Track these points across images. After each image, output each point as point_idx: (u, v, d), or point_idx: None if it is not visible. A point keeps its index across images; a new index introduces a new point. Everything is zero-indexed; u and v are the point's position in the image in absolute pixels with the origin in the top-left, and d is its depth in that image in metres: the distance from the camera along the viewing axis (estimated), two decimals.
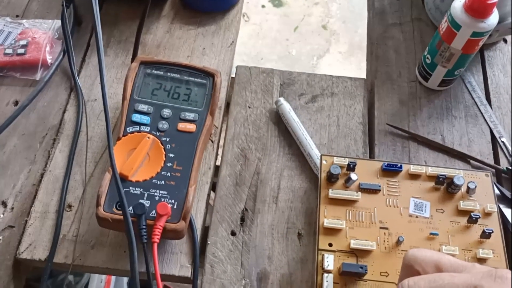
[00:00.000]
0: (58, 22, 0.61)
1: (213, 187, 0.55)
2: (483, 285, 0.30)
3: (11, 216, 0.50)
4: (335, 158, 0.50)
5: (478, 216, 0.47)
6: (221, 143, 0.57)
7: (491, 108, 0.59)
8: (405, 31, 0.65)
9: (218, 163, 0.56)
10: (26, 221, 0.50)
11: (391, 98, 0.59)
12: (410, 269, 0.35)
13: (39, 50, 0.58)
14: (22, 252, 0.48)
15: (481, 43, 0.53)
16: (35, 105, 0.57)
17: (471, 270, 0.32)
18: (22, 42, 0.59)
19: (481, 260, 0.45)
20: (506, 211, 0.51)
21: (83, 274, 0.93)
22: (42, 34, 0.60)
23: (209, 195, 0.54)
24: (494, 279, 0.30)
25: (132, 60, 0.59)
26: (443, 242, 0.46)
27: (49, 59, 0.59)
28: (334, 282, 0.44)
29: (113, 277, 0.97)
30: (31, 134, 0.55)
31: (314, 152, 0.53)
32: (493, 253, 0.45)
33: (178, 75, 0.53)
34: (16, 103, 0.57)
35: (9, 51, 0.58)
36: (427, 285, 0.31)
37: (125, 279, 1.03)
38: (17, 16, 0.64)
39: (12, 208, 0.50)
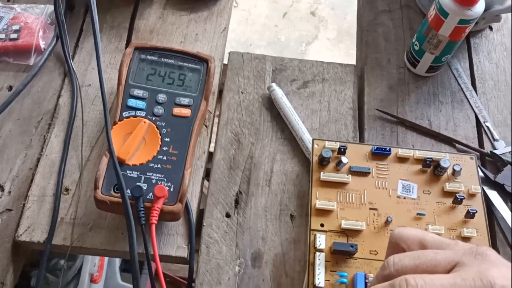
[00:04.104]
0: (50, 7, 0.61)
1: (207, 174, 0.56)
2: (464, 261, 0.31)
3: (8, 200, 0.51)
4: (326, 142, 0.52)
5: (463, 197, 0.49)
6: (215, 129, 0.58)
7: (476, 93, 0.61)
8: (394, 18, 0.66)
9: (211, 149, 0.57)
10: (24, 204, 0.50)
11: (380, 84, 0.61)
12: (396, 247, 0.36)
13: (32, 35, 0.58)
14: (21, 235, 0.49)
15: (467, 30, 0.54)
16: (29, 90, 0.57)
17: (454, 248, 0.34)
18: (15, 27, 0.59)
19: (465, 239, 0.47)
20: (490, 192, 0.53)
21: (76, 258, 0.94)
22: (35, 19, 0.60)
23: (203, 179, 0.55)
24: (475, 256, 0.32)
25: (126, 45, 0.59)
26: (429, 222, 0.48)
27: (42, 44, 0.59)
28: (325, 261, 0.45)
29: (105, 261, 0.98)
30: (26, 119, 0.55)
31: (306, 136, 0.55)
32: (476, 232, 0.48)
33: (173, 61, 0.53)
34: (10, 88, 0.57)
35: (2, 36, 0.58)
36: (411, 261, 0.33)
37: (117, 263, 1.04)
38: (8, 0, 0.64)
39: (10, 192, 0.51)
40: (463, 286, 0.29)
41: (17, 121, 0.55)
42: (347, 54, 1.74)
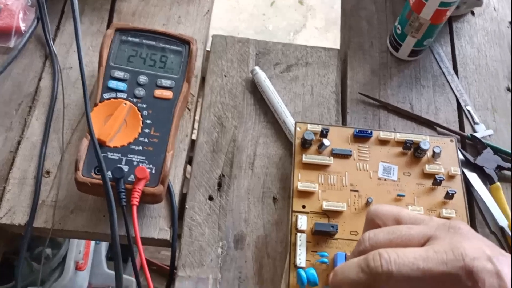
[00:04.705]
0: None
1: (189, 161, 0.56)
2: (437, 235, 0.32)
3: None
4: (308, 125, 0.52)
5: (442, 179, 0.49)
6: (197, 118, 0.58)
7: (458, 77, 0.61)
8: (378, 2, 0.66)
9: (193, 137, 0.56)
10: (4, 187, 0.50)
11: (363, 68, 0.61)
12: (372, 223, 0.37)
13: (12, 17, 0.57)
14: (1, 218, 0.48)
15: (448, 13, 0.55)
16: (10, 72, 0.56)
17: (428, 223, 0.34)
18: None
19: (445, 219, 0.48)
20: (469, 174, 0.53)
21: (61, 246, 0.94)
22: (15, 1, 0.59)
23: (186, 162, 0.55)
24: (448, 230, 0.32)
25: (108, 28, 0.59)
26: (409, 203, 0.49)
27: (22, 26, 0.58)
28: (307, 241, 0.46)
29: (91, 248, 0.98)
30: (6, 101, 0.55)
31: (289, 119, 0.55)
32: (455, 212, 0.48)
33: (154, 42, 0.53)
34: None
35: None
36: (386, 236, 0.33)
37: (104, 252, 1.04)
38: None
39: None
40: (435, 258, 0.29)
41: None
42: (335, 43, 1.73)
